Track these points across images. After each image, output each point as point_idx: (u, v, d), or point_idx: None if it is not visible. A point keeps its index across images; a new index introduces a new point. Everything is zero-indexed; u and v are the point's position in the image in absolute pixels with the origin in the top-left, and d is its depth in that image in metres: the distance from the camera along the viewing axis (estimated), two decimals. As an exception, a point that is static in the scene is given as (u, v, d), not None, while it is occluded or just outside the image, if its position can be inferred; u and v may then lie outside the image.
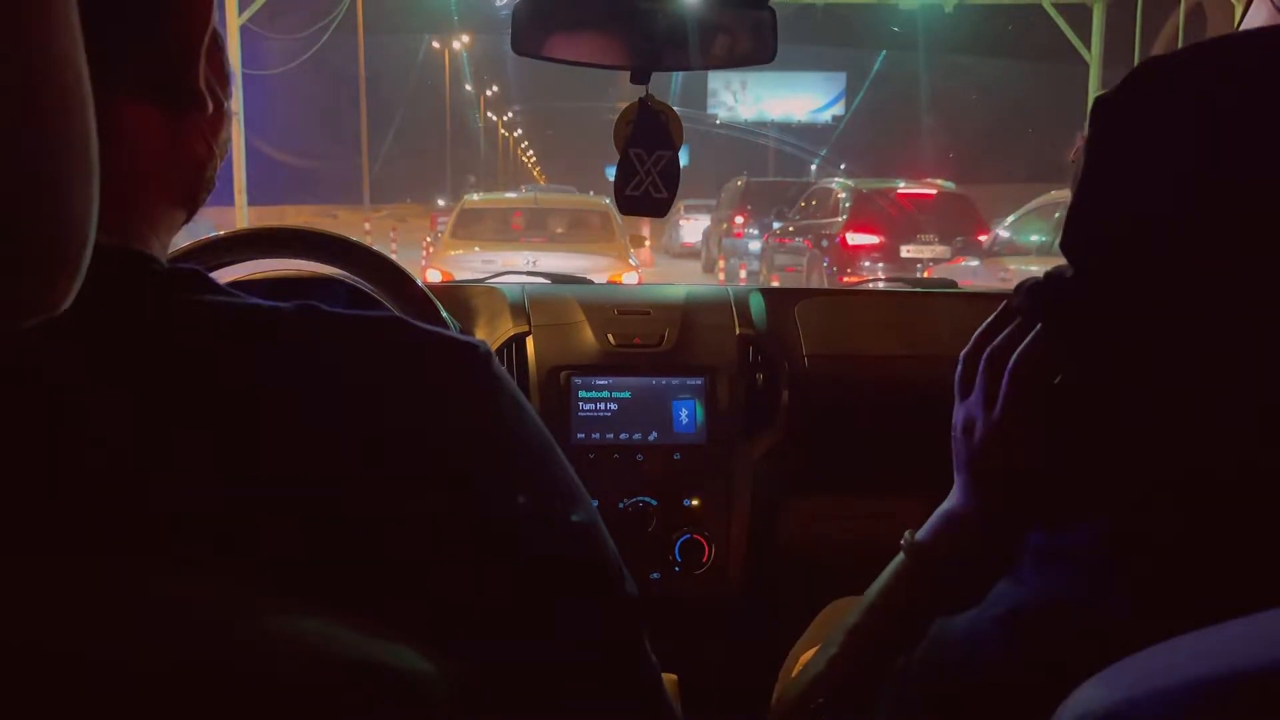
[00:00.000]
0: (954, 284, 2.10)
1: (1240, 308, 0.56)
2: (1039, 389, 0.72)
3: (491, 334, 1.62)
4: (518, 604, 0.52)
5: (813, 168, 29.66)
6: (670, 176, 1.21)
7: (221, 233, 1.20)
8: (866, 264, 10.87)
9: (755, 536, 1.58)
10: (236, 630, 0.42)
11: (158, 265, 0.51)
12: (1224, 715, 0.39)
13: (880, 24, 20.33)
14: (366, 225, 18.17)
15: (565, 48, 1.16)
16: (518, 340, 1.61)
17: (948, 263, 9.79)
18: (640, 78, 1.15)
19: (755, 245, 14.34)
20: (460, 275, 7.04)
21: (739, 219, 15.57)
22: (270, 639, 0.42)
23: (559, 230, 9.38)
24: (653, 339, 1.63)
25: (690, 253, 19.55)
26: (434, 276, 7.52)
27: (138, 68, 0.51)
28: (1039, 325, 0.72)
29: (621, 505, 1.54)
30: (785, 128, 31.16)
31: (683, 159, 1.25)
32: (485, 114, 59.23)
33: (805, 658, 1.15)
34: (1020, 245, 8.62)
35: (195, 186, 0.57)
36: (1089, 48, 15.76)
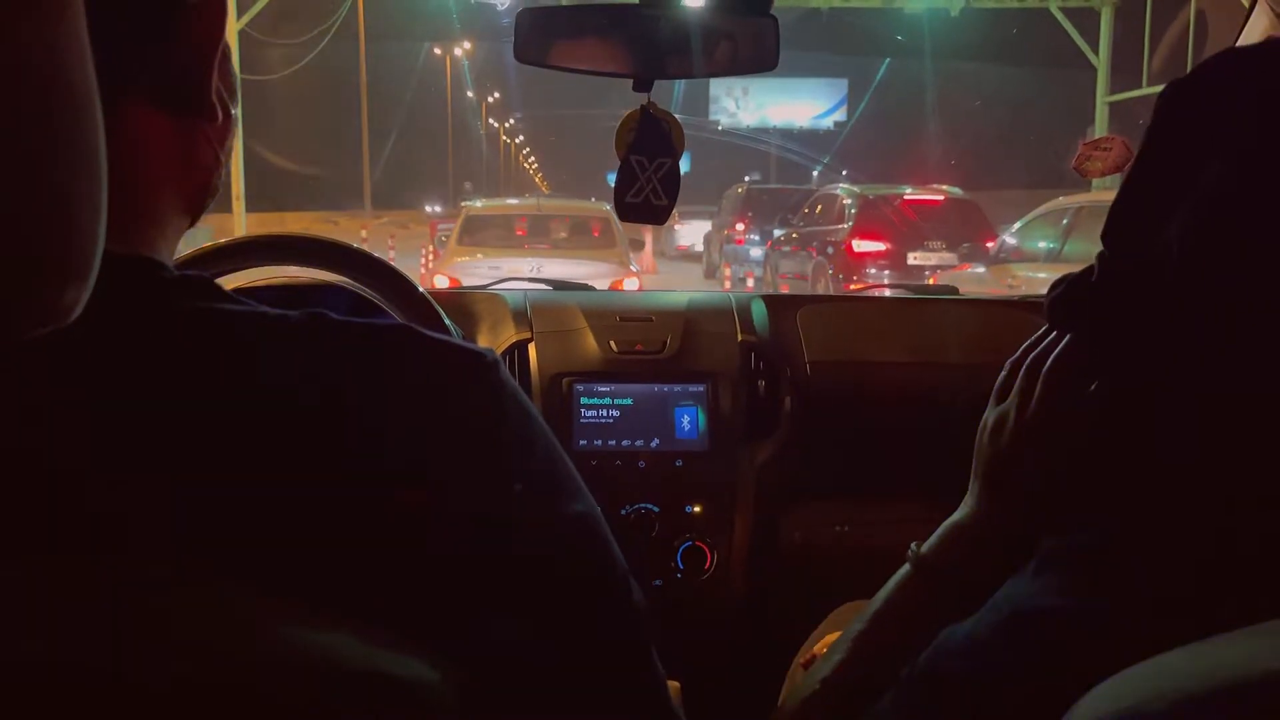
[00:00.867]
0: (956, 290, 2.10)
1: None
2: (1073, 393, 0.73)
3: (494, 341, 1.62)
4: (523, 609, 0.52)
5: (815, 174, 29.65)
6: (670, 184, 1.21)
7: (225, 240, 1.20)
8: (873, 271, 10.78)
9: (757, 543, 1.58)
10: (239, 641, 0.42)
11: (167, 272, 0.51)
12: None
13: (884, 29, 20.29)
14: (363, 233, 17.96)
15: (568, 56, 1.16)
16: (520, 347, 1.61)
17: (954, 269, 9.73)
18: (643, 85, 1.15)
19: (757, 252, 14.46)
20: (467, 281, 7.08)
21: (740, 225, 15.64)
22: (274, 649, 0.42)
23: (562, 236, 9.52)
24: (655, 345, 1.63)
25: (685, 255, 20.26)
26: (441, 283, 7.63)
27: (152, 77, 0.51)
28: (1070, 334, 0.73)
29: (624, 512, 1.54)
30: (787, 134, 31.16)
31: (684, 166, 1.26)
32: (487, 121, 59.28)
33: (812, 659, 1.16)
34: (1028, 251, 8.58)
35: (202, 194, 0.57)
36: (1095, 52, 15.67)
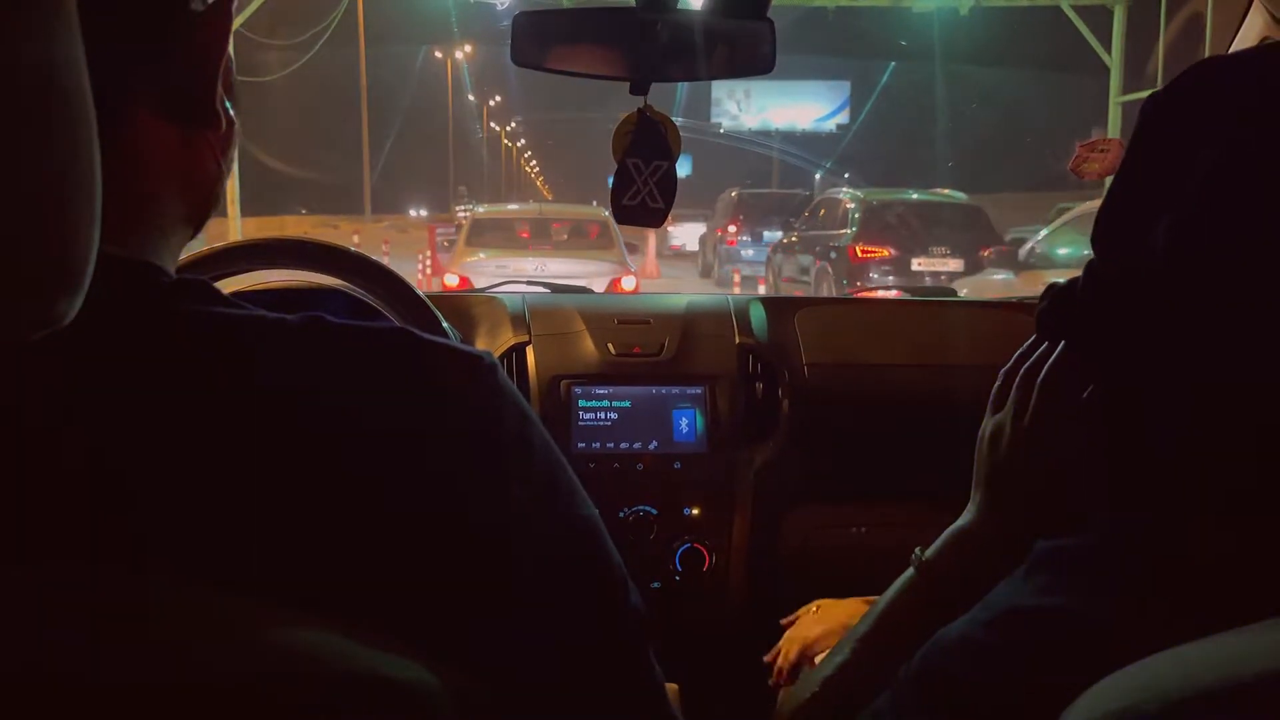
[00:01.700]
0: (954, 292, 2.10)
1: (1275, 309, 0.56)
2: (1069, 401, 0.73)
3: (492, 344, 1.62)
4: (521, 612, 0.52)
5: (817, 177, 29.59)
6: (667, 186, 1.22)
7: (223, 244, 1.20)
8: (876, 277, 10.72)
9: (755, 545, 1.58)
10: (237, 643, 0.42)
11: (166, 277, 0.51)
12: None
13: (891, 28, 20.14)
14: (355, 238, 17.69)
15: (565, 59, 1.16)
16: (518, 350, 1.61)
17: (975, 275, 9.62)
18: (639, 89, 1.15)
19: (748, 252, 15.88)
20: (476, 279, 7.78)
21: (732, 228, 16.66)
22: (272, 651, 0.42)
23: (562, 238, 10.15)
24: (653, 348, 1.63)
25: (678, 254, 21.68)
26: (452, 281, 8.45)
27: (156, 85, 0.51)
28: (1063, 343, 0.74)
29: (622, 514, 1.54)
30: (790, 137, 31.09)
31: (686, 169, 1.26)
32: (488, 124, 59.27)
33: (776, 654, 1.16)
34: (1058, 258, 8.40)
35: (205, 203, 0.58)
36: (1108, 51, 15.46)
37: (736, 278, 14.97)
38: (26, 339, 0.35)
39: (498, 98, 58.82)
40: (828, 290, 11.11)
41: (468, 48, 36.90)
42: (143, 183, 0.52)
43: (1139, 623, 0.55)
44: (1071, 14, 15.42)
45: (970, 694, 0.60)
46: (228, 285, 1.24)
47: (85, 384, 0.45)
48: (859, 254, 10.89)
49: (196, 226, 0.58)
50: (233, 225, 14.80)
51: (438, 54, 40.98)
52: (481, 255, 9.21)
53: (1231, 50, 1.29)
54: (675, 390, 1.60)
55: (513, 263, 8.83)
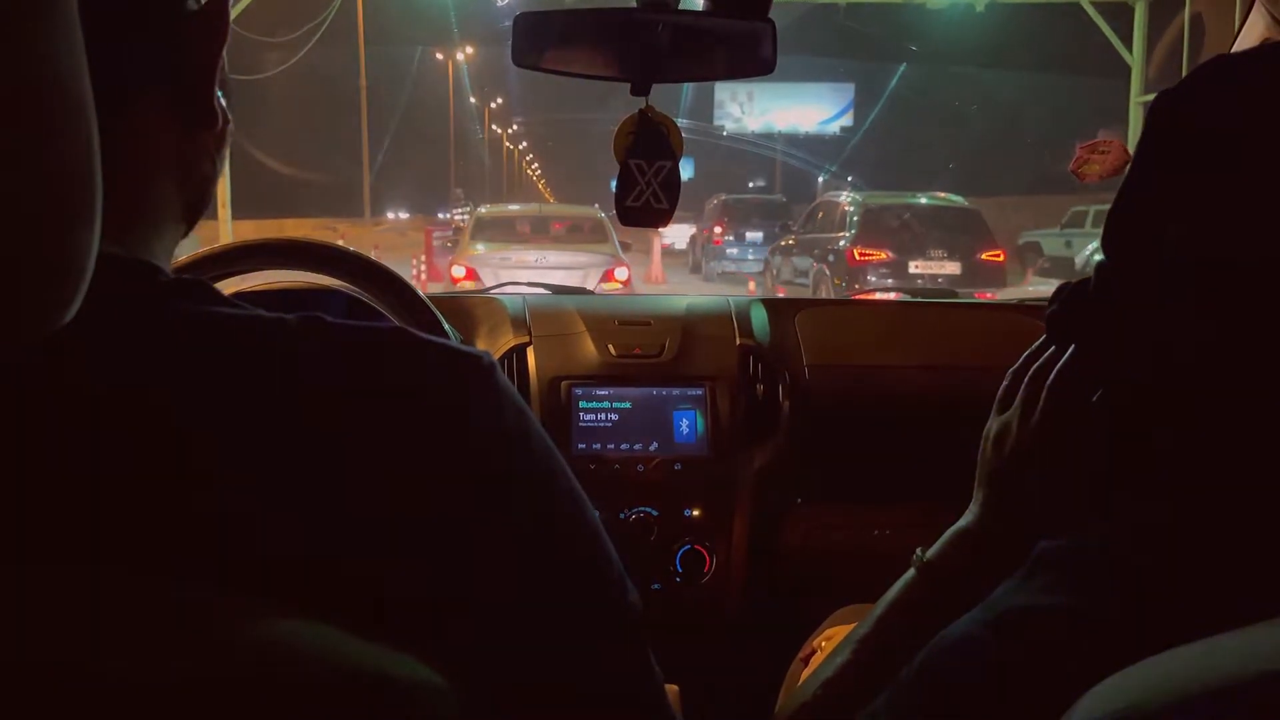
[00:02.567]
0: (954, 293, 2.10)
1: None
2: (1077, 403, 0.73)
3: (492, 345, 1.62)
4: (520, 610, 0.52)
5: (820, 180, 29.60)
6: (670, 187, 1.21)
7: (221, 245, 1.20)
8: (874, 279, 10.81)
9: (756, 547, 1.58)
10: (239, 641, 0.42)
11: (164, 275, 0.51)
12: None
13: (903, 26, 19.92)
14: (340, 240, 17.59)
15: (565, 60, 1.16)
16: (518, 351, 1.61)
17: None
18: (640, 90, 1.15)
19: (731, 250, 18.26)
20: (482, 270, 8.63)
21: (718, 229, 18.70)
22: (273, 649, 0.42)
23: (560, 233, 11.09)
24: (653, 349, 1.63)
25: (667, 252, 23.59)
26: (458, 272, 9.28)
27: (154, 84, 0.51)
28: (1072, 346, 0.74)
29: (622, 516, 1.54)
30: (793, 139, 31.04)
31: (688, 172, 1.26)
32: (489, 126, 59.29)
33: (810, 667, 1.15)
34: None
35: (200, 200, 0.58)
36: (1129, 49, 15.07)
37: (751, 286, 15.57)
38: (27, 339, 0.35)
39: (499, 100, 58.89)
40: (826, 292, 11.18)
41: (468, 49, 36.91)
42: (141, 181, 0.52)
43: (1140, 623, 0.55)
44: (1092, 11, 15.18)
45: (970, 694, 0.60)
46: (227, 286, 1.24)
47: (84, 383, 0.45)
48: (857, 256, 10.98)
49: (189, 224, 0.59)
50: (223, 228, 14.60)
51: (438, 55, 41.00)
52: (486, 248, 9.94)
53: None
54: (676, 391, 1.60)
55: (515, 254, 9.54)
